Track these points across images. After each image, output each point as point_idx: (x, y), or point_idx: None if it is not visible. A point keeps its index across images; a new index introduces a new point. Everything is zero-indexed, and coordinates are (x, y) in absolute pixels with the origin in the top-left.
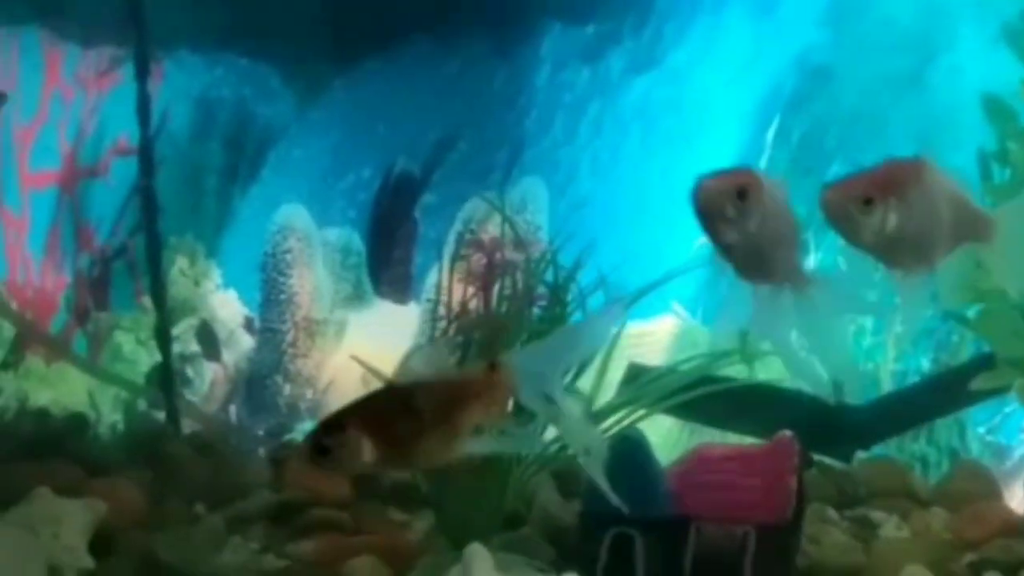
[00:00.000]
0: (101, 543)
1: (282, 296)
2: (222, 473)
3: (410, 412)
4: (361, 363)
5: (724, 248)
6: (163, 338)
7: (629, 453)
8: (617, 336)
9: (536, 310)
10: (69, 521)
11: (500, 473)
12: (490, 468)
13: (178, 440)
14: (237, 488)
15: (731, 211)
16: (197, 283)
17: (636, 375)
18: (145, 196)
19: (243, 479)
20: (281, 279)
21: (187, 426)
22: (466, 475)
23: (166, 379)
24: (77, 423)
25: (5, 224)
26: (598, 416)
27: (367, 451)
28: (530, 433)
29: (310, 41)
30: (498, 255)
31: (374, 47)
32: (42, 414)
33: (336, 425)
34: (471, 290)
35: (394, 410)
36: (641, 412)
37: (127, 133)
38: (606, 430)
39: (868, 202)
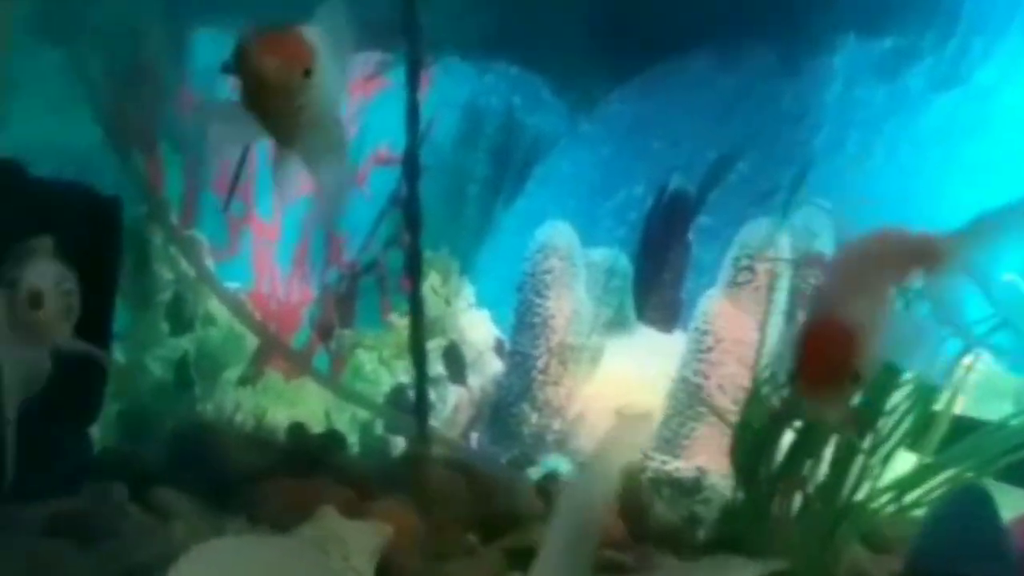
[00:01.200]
0: (379, 569)
1: (537, 319)
2: (490, 502)
3: None
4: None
5: None
6: (419, 359)
7: (973, 506)
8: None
9: None
10: (357, 544)
11: (821, 528)
12: (812, 521)
13: (437, 465)
14: (510, 519)
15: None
16: (448, 302)
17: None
18: (408, 210)
19: (515, 510)
20: (538, 301)
21: None
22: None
23: (420, 401)
24: (334, 441)
25: (255, 231)
26: (926, 472)
27: None
28: None
29: (585, 51)
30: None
31: (652, 59)
32: (297, 429)
33: None
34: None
35: None
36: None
37: (388, 142)
38: (936, 487)
39: None
